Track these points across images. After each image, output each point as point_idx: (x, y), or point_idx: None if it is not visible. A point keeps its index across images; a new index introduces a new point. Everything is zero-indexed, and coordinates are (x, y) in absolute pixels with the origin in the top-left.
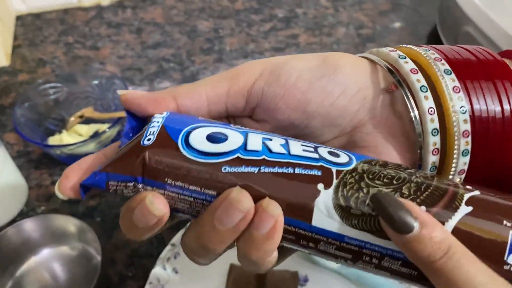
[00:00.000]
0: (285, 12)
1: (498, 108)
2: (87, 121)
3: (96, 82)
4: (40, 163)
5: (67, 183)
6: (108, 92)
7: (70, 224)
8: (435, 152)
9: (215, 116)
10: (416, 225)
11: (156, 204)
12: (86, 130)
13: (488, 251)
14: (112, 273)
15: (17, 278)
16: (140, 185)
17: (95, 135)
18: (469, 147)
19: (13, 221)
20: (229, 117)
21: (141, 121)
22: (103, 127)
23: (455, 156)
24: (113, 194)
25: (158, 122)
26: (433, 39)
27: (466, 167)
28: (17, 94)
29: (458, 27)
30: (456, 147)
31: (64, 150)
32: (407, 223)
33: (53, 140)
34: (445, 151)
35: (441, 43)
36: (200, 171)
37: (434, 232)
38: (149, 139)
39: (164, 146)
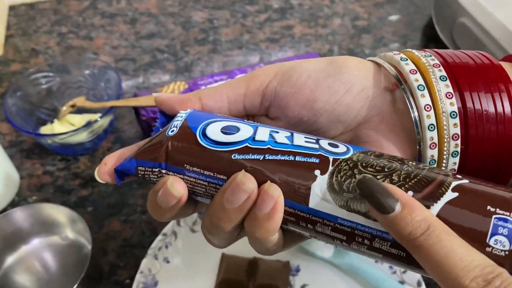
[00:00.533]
0: (280, 3)
1: (492, 110)
2: (79, 111)
3: (88, 72)
4: (32, 153)
5: (105, 169)
6: (101, 81)
7: (60, 213)
8: (433, 146)
9: (235, 115)
10: (397, 205)
11: (175, 186)
12: (79, 120)
13: (471, 234)
14: (103, 263)
15: (7, 267)
16: (163, 171)
17: (87, 124)
18: (458, 149)
19: (4, 211)
20: (248, 116)
21: (170, 118)
22: (95, 117)
23: (444, 156)
24: (142, 179)
25: (181, 117)
26: (429, 30)
27: (456, 167)
28: (9, 84)
29: (453, 18)
30: (445, 148)
31: (55, 140)
32: (389, 203)
33: (44, 130)
34: (438, 151)
35: (436, 34)
36: (213, 158)
37: (414, 212)
38: (172, 131)
39: (185, 136)
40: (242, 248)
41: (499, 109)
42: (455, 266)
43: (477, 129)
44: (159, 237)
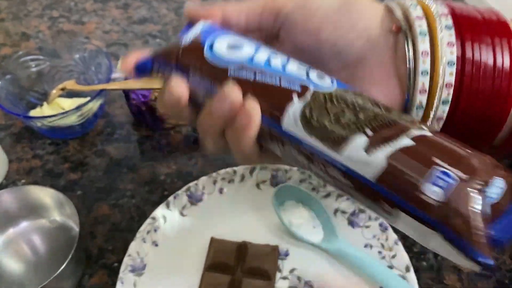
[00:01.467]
0: None
1: (491, 62)
2: (70, 95)
3: (78, 56)
4: (22, 137)
5: (128, 62)
6: (91, 66)
7: (48, 196)
8: (423, 92)
9: (251, 30)
10: None
11: (178, 86)
12: (69, 104)
13: (409, 179)
14: (92, 246)
15: None
16: (173, 71)
17: (76, 107)
18: (449, 98)
19: None
20: (261, 33)
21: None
22: (86, 101)
23: (435, 103)
24: (155, 74)
25: (198, 29)
26: None
27: (444, 115)
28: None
29: None
30: (437, 95)
31: (44, 122)
32: None
33: (34, 113)
34: (429, 98)
35: None
36: (213, 70)
37: None
38: (186, 40)
39: (194, 47)
40: (231, 233)
41: (498, 62)
42: None
43: (472, 79)
44: (148, 220)
